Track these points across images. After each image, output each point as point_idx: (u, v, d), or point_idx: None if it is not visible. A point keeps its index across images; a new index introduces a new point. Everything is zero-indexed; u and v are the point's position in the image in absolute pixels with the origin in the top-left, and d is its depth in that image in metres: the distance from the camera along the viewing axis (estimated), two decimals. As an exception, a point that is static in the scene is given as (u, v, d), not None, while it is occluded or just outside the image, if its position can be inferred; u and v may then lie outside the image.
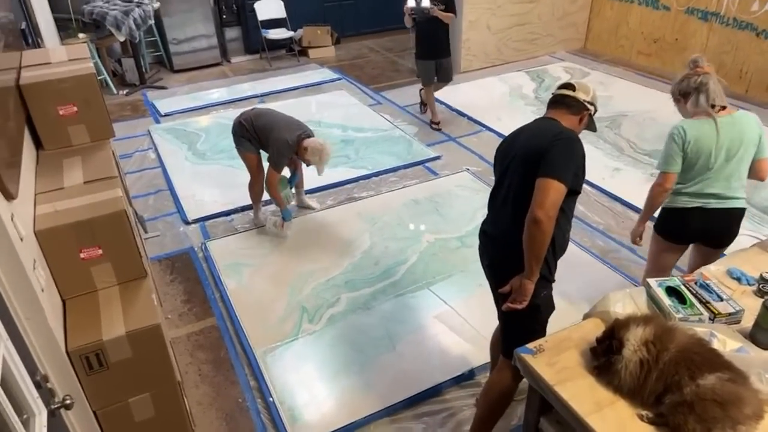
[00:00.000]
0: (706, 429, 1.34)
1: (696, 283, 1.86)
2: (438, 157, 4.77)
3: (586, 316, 1.88)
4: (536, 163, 1.80)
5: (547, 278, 1.93)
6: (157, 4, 6.48)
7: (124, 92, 6.40)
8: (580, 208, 3.97)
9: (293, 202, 4.05)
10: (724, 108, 2.30)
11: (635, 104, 5.56)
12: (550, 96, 2.08)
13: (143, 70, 6.67)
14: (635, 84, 6.17)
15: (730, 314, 1.75)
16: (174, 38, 6.87)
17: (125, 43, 6.44)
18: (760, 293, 1.87)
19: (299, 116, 5.53)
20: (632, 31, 6.84)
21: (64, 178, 2.02)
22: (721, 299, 1.79)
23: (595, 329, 1.73)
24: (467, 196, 4.17)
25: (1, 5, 2.37)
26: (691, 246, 2.56)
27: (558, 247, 1.92)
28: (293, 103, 5.97)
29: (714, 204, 2.34)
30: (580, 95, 1.98)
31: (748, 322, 1.74)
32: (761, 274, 1.92)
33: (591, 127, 2.11)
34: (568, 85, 2.03)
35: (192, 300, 3.22)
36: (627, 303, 1.82)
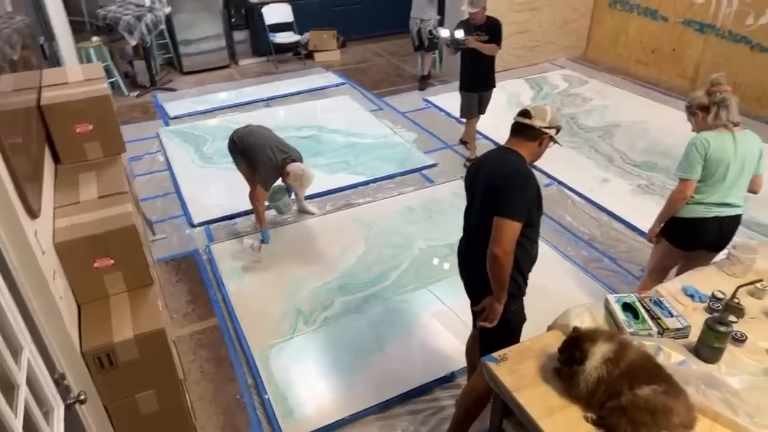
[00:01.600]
0: (635, 431, 1.53)
1: (650, 300, 2.04)
2: (435, 165, 4.95)
3: (549, 328, 2.06)
4: (493, 201, 1.99)
5: (516, 294, 2.12)
6: (168, 9, 6.68)
7: (135, 94, 6.62)
8: (567, 218, 4.15)
9: (294, 208, 4.25)
10: (736, 125, 2.53)
11: (630, 114, 5.71)
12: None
13: (154, 72, 6.88)
14: (631, 93, 6.30)
15: (677, 329, 1.93)
16: (183, 40, 7.08)
17: (137, 46, 6.64)
18: (709, 311, 2.05)
19: (303, 121, 5.82)
20: (631, 41, 6.97)
21: (80, 193, 2.23)
22: (672, 315, 1.97)
23: (555, 341, 1.91)
24: (460, 204, 4.30)
25: (19, 29, 2.57)
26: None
27: (524, 266, 2.11)
28: (297, 108, 6.18)
29: (727, 212, 2.56)
30: (537, 122, 2.07)
31: (695, 336, 1.92)
32: (713, 293, 2.10)
33: (558, 143, 2.20)
34: (524, 113, 2.11)
35: (196, 301, 3.43)
36: (585, 317, 2.00)
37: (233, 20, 7.40)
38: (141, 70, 6.81)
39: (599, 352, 1.67)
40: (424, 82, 6.75)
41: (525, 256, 2.10)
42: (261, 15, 7.28)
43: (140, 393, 2.07)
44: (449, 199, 4.42)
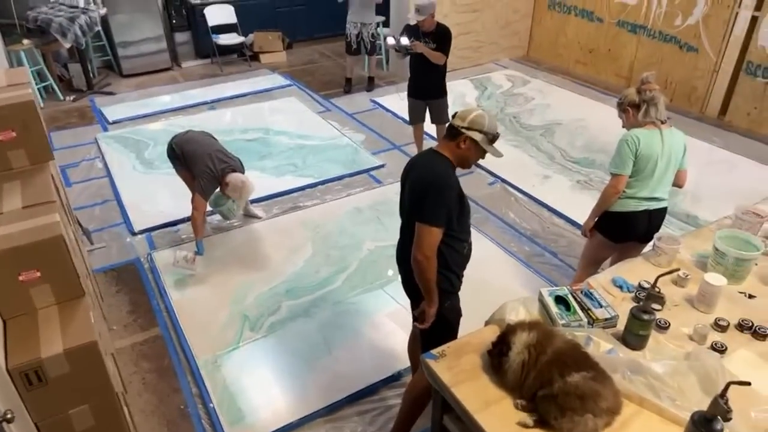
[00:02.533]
0: (564, 416, 1.59)
1: (581, 292, 2.12)
2: (382, 166, 4.98)
3: (486, 323, 2.11)
4: (415, 206, 2.05)
5: (449, 291, 2.17)
6: (103, 10, 6.47)
7: (71, 98, 6.37)
8: (510, 215, 4.26)
9: (240, 212, 4.19)
10: (664, 122, 2.64)
11: (569, 113, 5.90)
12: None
13: (91, 75, 6.64)
14: (571, 93, 6.52)
15: (606, 319, 2.01)
16: (122, 41, 6.86)
17: (71, 48, 6.39)
18: (636, 300, 2.14)
19: (249, 123, 5.74)
20: (570, 41, 7.21)
21: (2, 204, 2.13)
22: (601, 306, 2.06)
23: (492, 335, 1.95)
24: (407, 204, 4.39)
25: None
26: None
27: (455, 264, 2.16)
28: (243, 110, 6.10)
29: (655, 205, 2.69)
30: (456, 122, 2.09)
31: (623, 325, 2.00)
32: (639, 283, 2.20)
33: (492, 152, 2.15)
34: (453, 114, 2.15)
35: (137, 311, 3.33)
36: (520, 311, 2.06)
37: (174, 21, 7.23)
38: (77, 74, 6.56)
39: (520, 340, 1.74)
40: (371, 83, 6.76)
41: (455, 255, 2.14)
42: (203, 16, 7.14)
43: (73, 409, 1.99)
44: (397, 200, 4.42)
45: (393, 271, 3.60)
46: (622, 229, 2.74)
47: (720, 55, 5.62)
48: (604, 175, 4.71)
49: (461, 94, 6.44)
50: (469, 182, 4.69)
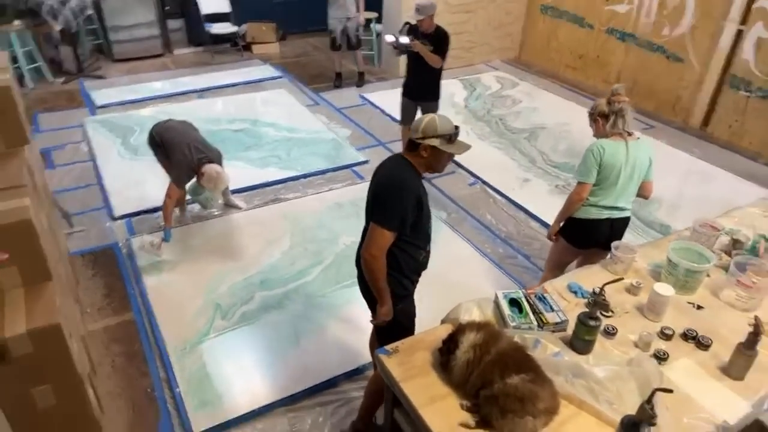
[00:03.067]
0: (505, 417, 1.66)
1: (535, 296, 2.19)
2: (366, 162, 5.03)
3: (442, 322, 2.18)
4: (371, 206, 2.12)
5: (402, 295, 2.23)
6: (96, -6, 6.47)
7: (61, 80, 6.38)
8: (488, 216, 4.32)
9: (221, 202, 4.24)
10: (630, 134, 2.71)
11: (555, 117, 5.96)
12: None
13: (81, 58, 6.64)
14: (558, 97, 6.59)
15: (556, 323, 2.08)
16: (114, 26, 6.86)
17: (63, 31, 6.39)
18: (588, 306, 2.21)
19: (237, 113, 5.78)
20: (561, 45, 7.27)
21: (-26, 186, 2.17)
22: (552, 310, 2.13)
23: (445, 333, 2.02)
24: (387, 201, 4.45)
25: None
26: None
27: (408, 270, 2.21)
28: (232, 100, 6.13)
29: (617, 214, 2.78)
30: (412, 135, 2.12)
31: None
32: (593, 289, 2.27)
33: (455, 150, 2.15)
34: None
35: (111, 295, 3.38)
36: (474, 311, 2.13)
37: (167, 8, 7.23)
38: (68, 56, 6.57)
39: (467, 339, 1.81)
40: (361, 79, 6.80)
41: (410, 261, 2.20)
42: (197, 4, 7.15)
43: (36, 387, 2.05)
44: (376, 196, 4.50)
45: None
46: (585, 236, 2.83)
47: (705, 66, 5.70)
48: (582, 180, 4.79)
49: (450, 94, 6.48)
50: (450, 182, 4.77)
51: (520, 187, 4.69)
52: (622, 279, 2.15)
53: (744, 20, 5.32)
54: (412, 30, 4.31)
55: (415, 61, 4.36)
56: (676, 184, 4.83)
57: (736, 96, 5.52)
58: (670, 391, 1.58)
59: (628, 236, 3.95)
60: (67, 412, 2.17)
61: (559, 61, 7.33)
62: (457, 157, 5.04)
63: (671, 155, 5.33)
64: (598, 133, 2.77)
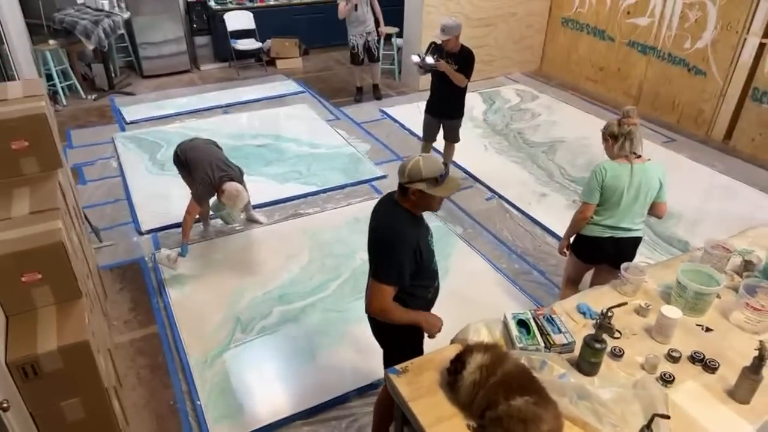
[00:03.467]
0: (509, 440, 1.72)
1: (543, 317, 2.23)
2: (384, 177, 5.11)
3: (452, 342, 2.24)
4: (370, 260, 2.16)
5: (408, 331, 2.28)
6: (127, 14, 6.72)
7: (93, 97, 6.63)
8: (504, 232, 4.36)
9: (243, 217, 4.37)
10: (639, 156, 2.76)
11: (574, 130, 5.96)
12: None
13: (112, 75, 6.90)
14: (578, 110, 6.58)
15: (563, 345, 2.12)
16: (143, 43, 7.11)
17: (96, 49, 6.66)
18: (597, 327, 2.24)
19: (259, 129, 5.93)
20: (582, 58, 7.27)
21: (12, 209, 2.32)
22: (560, 331, 2.17)
23: (454, 354, 2.08)
24: (404, 216, 4.51)
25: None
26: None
27: (417, 307, 2.24)
28: (255, 115, 6.30)
29: (622, 234, 2.84)
30: (399, 179, 2.08)
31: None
32: (602, 310, 2.30)
33: (442, 193, 2.09)
34: (400, 171, 2.09)
35: (137, 308, 3.52)
36: (483, 332, 2.19)
37: (195, 25, 7.46)
38: (99, 74, 6.83)
39: (475, 360, 1.86)
40: (377, 91, 6.92)
41: (417, 300, 2.23)
42: (223, 21, 7.36)
43: (65, 401, 2.17)
44: (394, 211, 4.58)
45: None
46: (590, 252, 2.94)
47: (727, 79, 5.65)
48: (600, 195, 4.80)
49: (470, 108, 6.45)
50: (467, 197, 4.82)
51: (537, 202, 4.71)
52: (626, 303, 2.18)
53: (767, 34, 5.26)
54: (437, 49, 4.38)
55: (440, 80, 4.44)
56: (696, 199, 4.79)
57: (759, 109, 5.46)
58: (668, 417, 1.61)
59: (646, 252, 4.00)
60: (94, 424, 2.29)
61: (579, 73, 7.33)
62: (474, 172, 5.20)
63: (692, 169, 5.29)
64: (608, 153, 2.82)
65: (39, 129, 2.53)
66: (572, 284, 3.12)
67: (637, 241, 2.89)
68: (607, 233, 2.82)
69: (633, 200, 2.75)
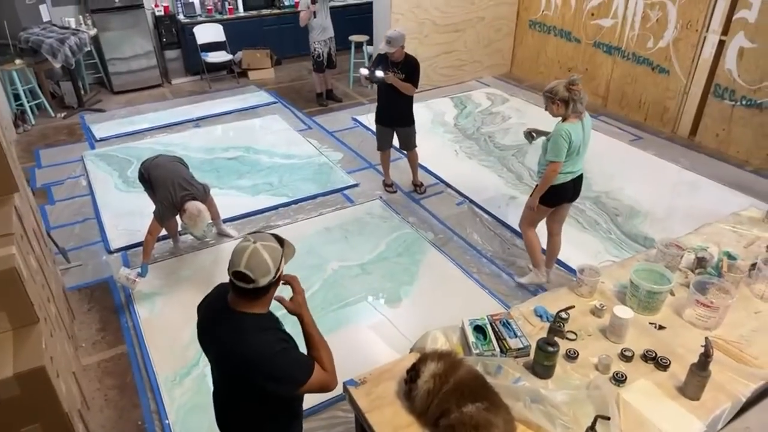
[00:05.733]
0: (461, 446, 1.74)
1: (500, 322, 2.27)
2: (356, 185, 5.13)
3: (411, 350, 2.26)
4: (251, 383, 1.73)
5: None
6: (93, 31, 6.68)
7: (62, 115, 6.57)
8: (474, 236, 4.40)
9: (214, 230, 4.36)
10: (581, 113, 3.26)
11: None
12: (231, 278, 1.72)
13: (82, 92, 6.85)
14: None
15: (518, 349, 2.16)
16: (112, 59, 7.07)
17: (63, 67, 6.61)
18: (548, 330, 2.28)
19: (231, 141, 5.92)
20: (550, 60, 7.37)
21: (-36, 236, 2.30)
22: (516, 336, 2.20)
23: (411, 363, 2.11)
24: (376, 224, 4.55)
25: None
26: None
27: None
28: (227, 128, 6.29)
29: (577, 174, 3.43)
30: (263, 281, 1.67)
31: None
32: (557, 313, 2.34)
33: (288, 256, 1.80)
34: (242, 276, 1.67)
35: (106, 328, 3.50)
36: (440, 339, 2.22)
37: (164, 39, 7.43)
38: (68, 91, 6.77)
39: (429, 369, 1.89)
40: (331, 94, 7.07)
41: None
42: (192, 34, 7.35)
43: (25, 427, 2.15)
44: (365, 219, 4.61)
45: (359, 287, 3.82)
46: (557, 196, 3.45)
47: (689, 77, 5.77)
48: (568, 196, 4.87)
49: (441, 113, 6.60)
50: (438, 202, 4.86)
51: (506, 205, 4.76)
52: (573, 307, 2.22)
53: (725, 31, 5.38)
54: (383, 59, 4.45)
55: (387, 90, 4.51)
56: (663, 196, 4.88)
57: (721, 105, 5.58)
58: (608, 418, 1.65)
59: (613, 251, 4.08)
60: (57, 448, 2.28)
61: (548, 75, 7.41)
62: (445, 177, 5.26)
63: (659, 167, 5.39)
64: (556, 113, 3.26)
65: (-9, 154, 2.52)
66: (533, 227, 3.70)
67: (583, 176, 3.48)
68: (569, 177, 3.37)
69: (584, 147, 3.33)
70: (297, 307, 1.86)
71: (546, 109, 3.31)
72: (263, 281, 1.67)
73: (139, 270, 3.69)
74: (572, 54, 7.01)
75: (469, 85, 7.57)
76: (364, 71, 4.47)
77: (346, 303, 3.70)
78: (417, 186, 5.04)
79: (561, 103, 3.18)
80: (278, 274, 1.72)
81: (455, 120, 6.45)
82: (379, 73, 4.38)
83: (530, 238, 3.70)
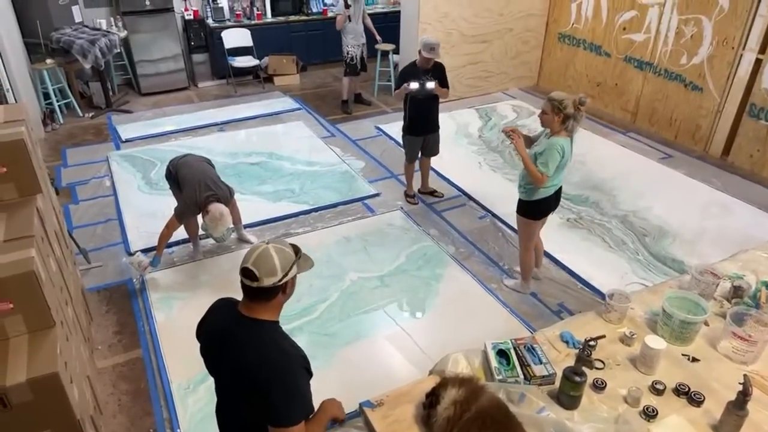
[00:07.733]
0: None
1: (524, 346, 2.18)
2: (377, 195, 5.08)
3: (430, 373, 2.19)
4: (256, 405, 1.67)
5: None
6: (124, 33, 6.76)
7: (90, 115, 6.65)
8: (496, 250, 4.30)
9: (234, 236, 4.34)
10: (572, 132, 3.29)
11: (570, 147, 5.91)
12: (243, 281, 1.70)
13: (110, 93, 6.93)
14: (575, 126, 6.53)
15: (543, 377, 2.07)
16: (141, 60, 7.14)
17: (92, 67, 6.69)
18: (576, 359, 2.19)
19: (254, 147, 5.92)
20: (578, 73, 7.25)
21: (-14, 236, 2.30)
22: (541, 362, 2.11)
23: (430, 386, 2.03)
24: (396, 236, 4.48)
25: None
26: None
27: None
28: (251, 133, 6.30)
29: (557, 187, 3.50)
30: (267, 281, 1.65)
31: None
32: (585, 339, 2.24)
33: (305, 267, 1.82)
34: (249, 274, 1.66)
35: (123, 331, 3.49)
36: (462, 363, 2.13)
37: (192, 43, 7.50)
38: (97, 91, 6.86)
39: (449, 395, 1.81)
40: (360, 98, 7.17)
41: None
42: (221, 39, 7.40)
43: (37, 433, 2.13)
44: (386, 230, 4.55)
45: (379, 298, 3.77)
46: (543, 209, 3.55)
47: (724, 95, 5.61)
48: (594, 213, 4.75)
49: (465, 124, 6.53)
50: (460, 215, 4.77)
51: (530, 221, 4.65)
52: (605, 336, 2.12)
53: (763, 49, 5.22)
54: (414, 70, 4.47)
55: (424, 101, 4.53)
56: (693, 217, 4.73)
57: (756, 125, 5.41)
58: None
59: (641, 273, 3.96)
60: (67, 455, 2.25)
61: (576, 88, 7.28)
62: (467, 190, 5.18)
63: (690, 186, 5.24)
64: (553, 125, 3.20)
65: (18, 154, 2.52)
66: (532, 243, 3.73)
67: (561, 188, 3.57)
68: (552, 191, 3.45)
69: (569, 162, 3.36)
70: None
71: (540, 115, 3.27)
72: (267, 281, 1.66)
73: (151, 260, 3.75)
74: (602, 68, 6.88)
75: (494, 96, 7.48)
76: (414, 85, 4.42)
77: (364, 314, 3.63)
78: (431, 192, 5.05)
79: (562, 117, 3.16)
80: (285, 279, 1.69)
81: (480, 132, 6.36)
82: (430, 84, 4.41)
83: (528, 259, 3.77)
